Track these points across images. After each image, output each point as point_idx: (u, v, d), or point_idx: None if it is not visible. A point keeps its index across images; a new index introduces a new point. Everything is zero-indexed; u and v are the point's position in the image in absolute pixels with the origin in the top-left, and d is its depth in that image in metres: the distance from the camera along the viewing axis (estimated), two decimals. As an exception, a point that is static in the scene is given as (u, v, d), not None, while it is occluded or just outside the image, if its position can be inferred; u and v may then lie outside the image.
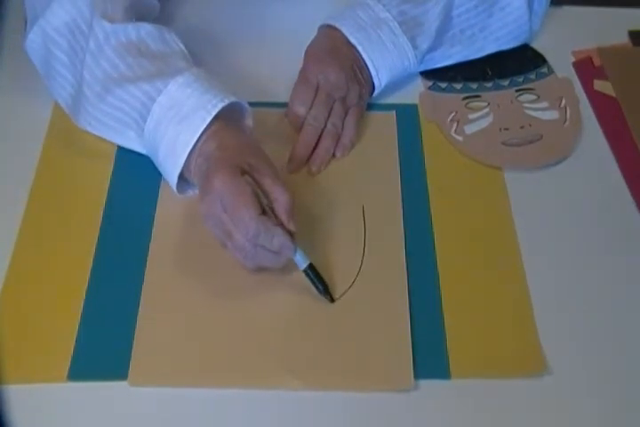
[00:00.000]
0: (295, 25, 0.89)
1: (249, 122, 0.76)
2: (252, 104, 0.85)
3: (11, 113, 0.83)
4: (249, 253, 0.67)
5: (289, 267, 0.71)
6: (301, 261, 0.69)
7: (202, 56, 0.89)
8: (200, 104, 0.71)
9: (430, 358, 0.67)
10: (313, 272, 0.69)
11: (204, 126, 0.70)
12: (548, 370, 0.67)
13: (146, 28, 0.77)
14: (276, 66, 0.88)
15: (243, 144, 0.71)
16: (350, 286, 0.71)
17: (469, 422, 0.65)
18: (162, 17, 0.91)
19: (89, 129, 0.79)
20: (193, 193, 0.76)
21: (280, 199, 0.67)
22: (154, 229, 0.74)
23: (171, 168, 0.72)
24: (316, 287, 0.69)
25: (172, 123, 0.71)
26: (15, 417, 0.60)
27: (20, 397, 0.63)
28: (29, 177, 0.78)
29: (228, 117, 0.73)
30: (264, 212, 0.66)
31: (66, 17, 0.77)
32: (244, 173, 0.67)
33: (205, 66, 0.89)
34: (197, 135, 0.70)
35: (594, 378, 0.67)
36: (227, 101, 0.71)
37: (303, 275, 0.70)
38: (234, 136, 0.72)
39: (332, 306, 0.70)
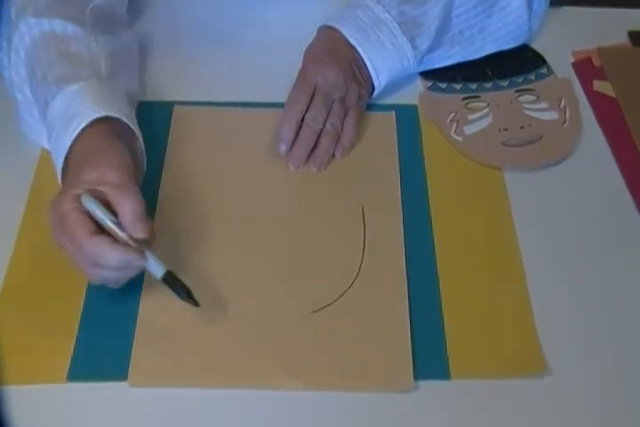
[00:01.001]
0: (295, 25, 0.89)
1: (138, 142, 0.73)
2: (251, 104, 0.86)
3: (11, 113, 0.83)
4: (103, 276, 0.65)
5: (289, 267, 0.71)
6: (157, 270, 0.65)
7: (202, 56, 0.90)
8: (76, 114, 0.69)
9: (430, 359, 0.67)
10: (172, 279, 0.65)
11: (74, 136, 0.68)
12: (547, 370, 0.67)
13: (74, 28, 0.76)
14: (276, 66, 0.88)
15: (101, 152, 0.68)
16: (350, 287, 0.71)
17: (469, 423, 0.65)
18: (162, 16, 0.91)
19: (22, 129, 0.80)
20: None
21: (123, 209, 0.64)
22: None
23: (58, 176, 0.71)
24: (178, 294, 0.66)
25: (54, 131, 0.71)
26: (15, 417, 0.60)
27: (20, 397, 0.63)
28: (29, 176, 0.78)
29: (112, 134, 0.70)
30: (103, 228, 0.64)
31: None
32: (84, 188, 0.64)
33: (205, 66, 0.90)
34: (68, 144, 0.68)
35: (594, 378, 0.67)
36: (103, 114, 0.69)
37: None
38: (99, 145, 0.69)
39: (332, 306, 0.70)
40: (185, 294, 0.66)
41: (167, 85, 0.88)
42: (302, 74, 0.83)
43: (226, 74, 0.89)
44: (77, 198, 0.64)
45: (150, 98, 0.85)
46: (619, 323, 0.71)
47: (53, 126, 0.71)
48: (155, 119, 0.80)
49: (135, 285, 0.70)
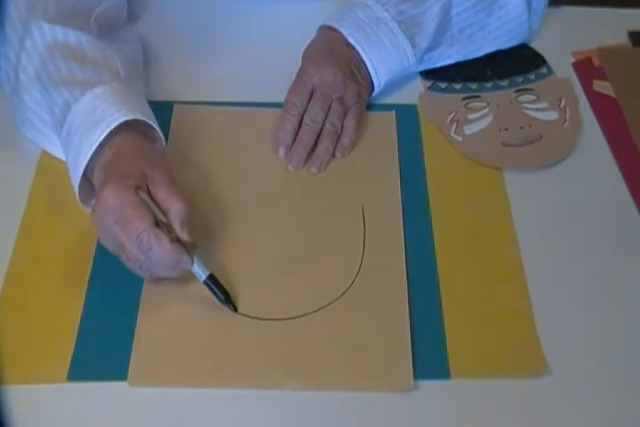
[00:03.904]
0: (295, 25, 0.89)
1: (160, 144, 0.75)
2: (251, 104, 0.86)
3: (11, 114, 0.83)
4: (143, 265, 0.66)
5: (289, 266, 0.71)
6: (200, 273, 0.68)
7: (202, 56, 0.90)
8: (103, 117, 0.70)
9: (430, 359, 0.67)
10: (214, 283, 0.68)
11: (102, 138, 0.69)
12: (548, 370, 0.67)
13: (87, 37, 0.76)
14: (277, 65, 0.87)
15: (139, 153, 0.70)
16: (350, 287, 0.71)
17: (469, 423, 0.65)
18: (161, 16, 0.91)
19: (24, 132, 0.79)
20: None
21: (173, 210, 0.66)
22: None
23: (73, 179, 0.71)
24: (217, 297, 0.68)
25: (78, 133, 0.71)
26: (15, 417, 0.60)
27: (20, 397, 0.63)
28: (29, 176, 0.78)
29: (141, 136, 0.72)
30: (157, 224, 0.65)
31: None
32: (137, 183, 0.66)
33: (206, 66, 0.90)
34: (95, 146, 0.69)
35: (594, 378, 0.67)
36: (130, 117, 0.70)
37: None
38: (133, 146, 0.70)
39: (331, 306, 0.70)
40: (225, 297, 0.68)
41: (167, 85, 0.88)
42: (300, 75, 0.83)
43: (226, 74, 0.89)
44: (135, 190, 0.65)
45: (150, 98, 0.85)
46: (619, 323, 0.71)
47: (78, 128, 0.71)
48: (155, 119, 0.79)
49: (135, 285, 0.70)
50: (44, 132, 0.77)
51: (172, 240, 0.65)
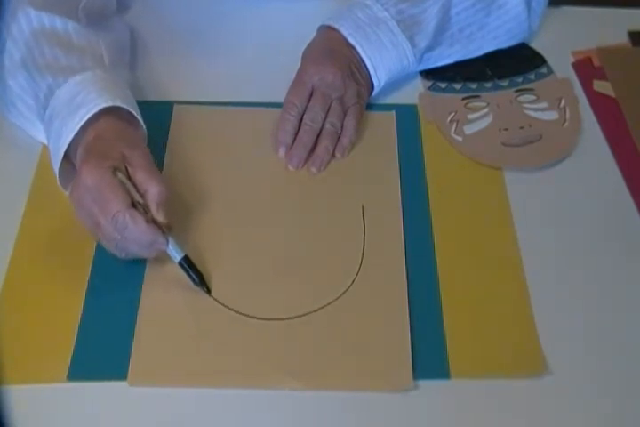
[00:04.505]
0: (295, 24, 0.89)
1: (142, 131, 0.75)
2: (251, 104, 0.86)
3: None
4: (119, 244, 0.68)
5: (289, 266, 0.71)
6: (175, 254, 0.69)
7: (202, 55, 0.90)
8: (84, 103, 0.71)
9: (430, 358, 0.67)
10: (188, 264, 0.69)
11: (82, 123, 0.70)
12: (548, 370, 0.67)
13: (74, 24, 0.78)
14: (277, 65, 0.87)
15: (119, 136, 0.71)
16: (350, 287, 0.71)
17: (469, 423, 0.65)
18: (161, 16, 0.91)
19: (10, 117, 0.80)
20: None
21: (151, 191, 0.67)
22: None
23: (54, 162, 0.73)
24: (192, 279, 0.69)
25: (59, 118, 0.72)
26: (15, 417, 0.60)
27: (20, 397, 0.63)
28: (29, 176, 0.78)
29: (123, 121, 0.73)
30: (134, 205, 0.66)
31: None
32: (115, 164, 0.67)
33: (205, 65, 0.90)
34: (74, 132, 0.70)
35: (594, 378, 0.67)
36: (110, 104, 0.71)
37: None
38: (113, 129, 0.71)
39: (331, 305, 0.70)
40: (199, 279, 0.69)
41: (167, 85, 0.88)
42: (300, 75, 0.83)
43: (226, 73, 0.89)
44: (113, 171, 0.66)
45: (150, 97, 0.85)
46: (619, 323, 0.71)
47: (59, 113, 0.72)
48: (155, 119, 0.79)
49: (135, 284, 0.70)
50: (28, 118, 0.78)
51: (147, 221, 0.66)
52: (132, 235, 0.66)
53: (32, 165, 0.79)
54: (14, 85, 0.77)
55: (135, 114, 0.73)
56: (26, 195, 0.77)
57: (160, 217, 0.67)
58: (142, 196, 0.67)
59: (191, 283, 0.69)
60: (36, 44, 0.76)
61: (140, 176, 0.68)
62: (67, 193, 0.73)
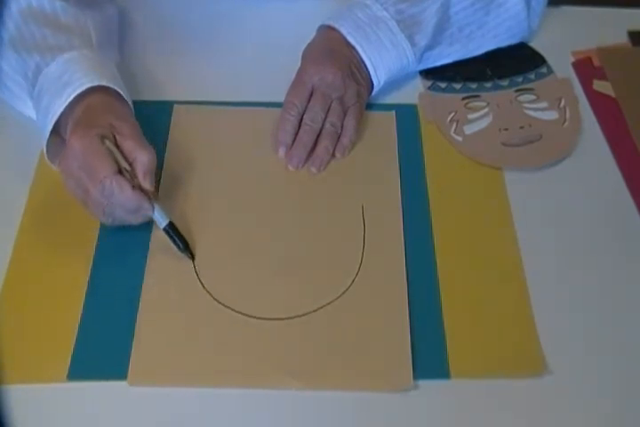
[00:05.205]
0: (295, 23, 0.90)
1: (129, 108, 0.77)
2: (251, 104, 0.86)
3: (11, 113, 0.83)
4: (106, 210, 0.69)
5: (289, 266, 0.71)
6: (161, 220, 0.71)
7: (201, 55, 0.90)
8: (70, 82, 0.73)
9: (430, 358, 0.67)
10: (173, 230, 0.71)
11: (69, 101, 0.72)
12: (548, 370, 0.67)
13: (62, 4, 0.79)
14: (276, 65, 0.87)
15: (108, 108, 0.73)
16: (350, 286, 0.71)
17: (469, 423, 0.65)
18: (161, 16, 0.91)
19: (0, 95, 0.82)
20: None
21: (139, 159, 0.69)
22: (154, 229, 0.74)
23: (42, 138, 0.74)
24: (177, 245, 0.72)
25: (47, 95, 0.74)
26: (15, 417, 0.60)
27: (20, 397, 0.63)
28: (29, 176, 0.78)
29: (112, 97, 0.75)
30: (121, 172, 0.68)
31: None
32: (103, 132, 0.69)
33: (205, 65, 0.90)
34: (61, 110, 0.72)
35: (594, 378, 0.67)
36: (96, 83, 0.73)
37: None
38: (102, 103, 0.73)
39: (331, 305, 0.70)
40: (183, 246, 0.71)
41: (167, 85, 0.88)
42: (300, 75, 0.83)
43: (226, 73, 0.89)
44: (101, 138, 0.69)
45: (150, 97, 0.85)
46: (619, 323, 0.71)
47: (47, 90, 0.74)
48: (155, 118, 0.80)
49: (134, 284, 0.70)
50: (18, 95, 0.80)
51: (133, 187, 0.68)
52: (119, 200, 0.68)
53: (32, 164, 0.79)
54: (4, 65, 0.78)
55: (122, 93, 0.75)
56: (26, 195, 0.77)
57: (146, 185, 0.70)
58: (130, 164, 0.70)
59: (175, 249, 0.71)
60: (24, 24, 0.77)
61: (129, 145, 0.70)
62: (55, 167, 0.75)
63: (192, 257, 0.72)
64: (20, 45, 0.77)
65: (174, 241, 0.71)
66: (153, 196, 0.70)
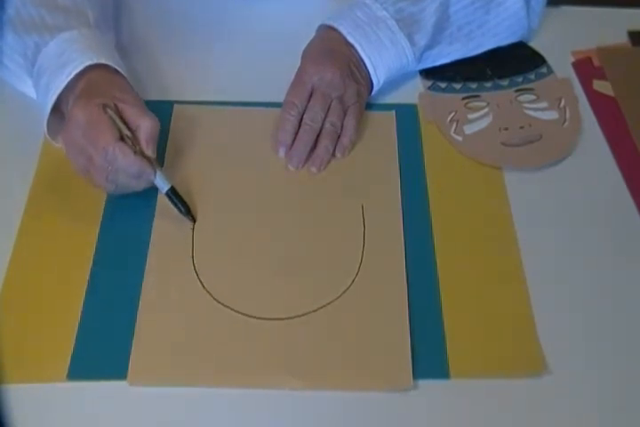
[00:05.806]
0: (294, 24, 0.89)
1: (129, 84, 0.78)
2: (251, 104, 0.86)
3: (11, 111, 0.83)
4: (110, 176, 0.71)
5: (289, 266, 0.71)
6: (163, 185, 0.73)
7: (202, 55, 0.90)
8: (69, 61, 0.75)
9: (430, 358, 0.67)
10: (175, 195, 0.73)
11: (68, 80, 0.73)
12: (547, 370, 0.67)
13: None
14: (276, 65, 0.87)
15: (110, 82, 0.75)
16: (350, 286, 0.71)
17: (469, 422, 0.65)
18: (161, 16, 0.91)
19: (3, 74, 0.83)
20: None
21: (142, 125, 0.71)
22: (154, 228, 0.74)
23: (43, 116, 0.75)
24: (179, 209, 0.74)
25: (46, 74, 0.76)
26: (15, 416, 0.60)
27: (20, 396, 0.63)
28: (30, 175, 0.78)
29: (111, 73, 0.76)
30: (123, 139, 0.70)
31: None
32: (105, 101, 0.71)
33: (205, 65, 0.90)
34: (60, 88, 0.73)
35: (594, 378, 0.67)
36: (95, 61, 0.74)
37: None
38: (103, 78, 0.75)
39: (331, 305, 0.70)
40: (185, 210, 0.74)
41: (167, 85, 0.88)
42: (299, 75, 0.83)
43: (225, 73, 0.89)
44: (103, 108, 0.71)
45: (150, 97, 0.85)
46: (619, 323, 0.71)
47: (46, 69, 0.76)
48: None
49: (134, 284, 0.70)
50: (18, 75, 0.81)
51: (135, 153, 0.70)
52: (122, 166, 0.70)
53: (32, 163, 0.79)
54: (4, 46, 0.79)
55: (121, 71, 0.77)
56: (26, 194, 0.77)
57: (149, 151, 0.72)
58: (133, 131, 0.71)
59: (177, 213, 0.74)
60: (22, 4, 0.79)
61: (132, 112, 0.72)
62: (55, 144, 0.77)
63: (193, 220, 0.74)
64: (19, 26, 0.78)
65: (176, 205, 0.74)
66: (155, 162, 0.72)
